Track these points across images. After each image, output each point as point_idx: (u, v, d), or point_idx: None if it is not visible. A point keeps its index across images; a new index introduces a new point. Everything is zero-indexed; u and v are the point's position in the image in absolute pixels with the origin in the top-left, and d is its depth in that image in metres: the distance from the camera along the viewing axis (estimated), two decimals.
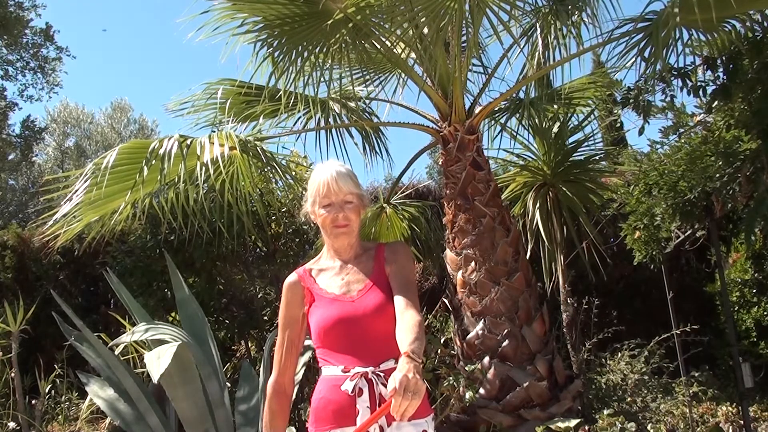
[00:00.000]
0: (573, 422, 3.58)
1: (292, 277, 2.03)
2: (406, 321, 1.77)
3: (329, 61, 3.91)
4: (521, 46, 4.37)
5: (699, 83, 3.61)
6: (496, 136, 5.01)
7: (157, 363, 2.95)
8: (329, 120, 4.44)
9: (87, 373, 3.90)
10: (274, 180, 4.16)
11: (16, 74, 15.48)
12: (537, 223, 4.98)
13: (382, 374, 1.83)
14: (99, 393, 3.75)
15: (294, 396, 3.66)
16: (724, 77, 3.60)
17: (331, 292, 1.95)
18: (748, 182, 3.69)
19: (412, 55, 4.35)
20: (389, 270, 1.96)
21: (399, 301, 1.85)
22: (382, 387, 1.81)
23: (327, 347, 1.91)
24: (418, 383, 1.53)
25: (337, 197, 1.95)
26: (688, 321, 4.78)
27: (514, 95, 4.76)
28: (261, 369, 3.78)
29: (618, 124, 7.55)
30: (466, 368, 3.88)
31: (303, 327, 1.99)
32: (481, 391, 3.88)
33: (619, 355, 4.94)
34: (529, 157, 5.12)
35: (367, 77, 4.71)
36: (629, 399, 4.64)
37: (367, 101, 4.81)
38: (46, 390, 4.84)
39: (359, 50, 3.89)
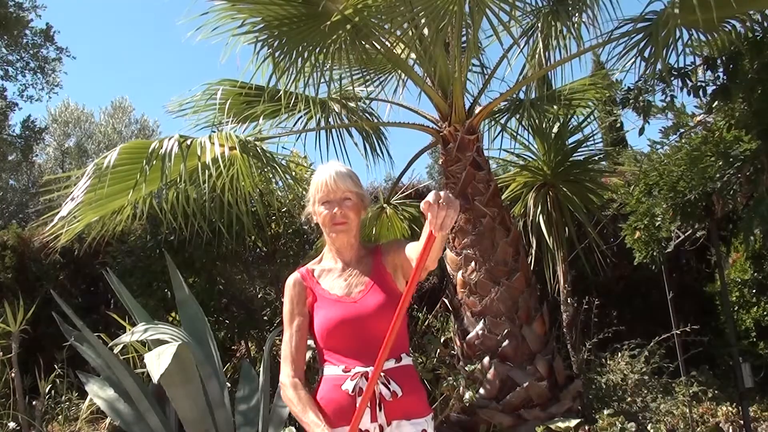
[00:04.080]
0: (573, 422, 3.59)
1: (294, 276, 2.04)
2: None
3: (329, 62, 3.91)
4: (521, 47, 4.38)
5: (699, 83, 3.61)
6: (496, 136, 5.02)
7: (157, 363, 2.95)
8: (329, 120, 4.44)
9: (87, 373, 3.90)
10: (274, 180, 4.16)
11: (16, 74, 15.49)
12: (537, 223, 4.98)
13: (382, 374, 1.84)
14: (99, 393, 3.74)
15: None
16: (724, 77, 3.60)
17: (333, 293, 1.96)
18: (748, 183, 3.70)
19: (412, 55, 4.35)
20: (388, 260, 1.98)
21: (411, 245, 1.90)
22: (383, 387, 1.82)
23: (329, 348, 1.92)
24: (450, 196, 1.56)
25: (335, 195, 1.96)
26: (688, 321, 4.77)
27: (514, 96, 4.76)
28: (261, 369, 3.78)
29: (618, 125, 7.56)
30: (466, 368, 3.89)
31: (310, 322, 1.98)
32: (481, 391, 3.88)
33: (619, 355, 4.93)
34: (529, 157, 5.12)
35: (367, 77, 4.71)
36: (629, 399, 4.64)
37: (367, 101, 4.81)
38: (46, 390, 4.84)
39: (359, 51, 3.90)
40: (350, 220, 1.97)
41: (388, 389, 1.82)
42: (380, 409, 1.82)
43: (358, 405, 1.79)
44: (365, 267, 2.00)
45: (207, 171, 3.39)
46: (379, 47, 4.08)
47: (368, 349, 1.87)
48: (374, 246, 2.09)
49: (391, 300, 1.91)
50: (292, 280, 2.03)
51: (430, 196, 1.56)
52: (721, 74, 3.63)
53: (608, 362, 4.95)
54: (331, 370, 1.90)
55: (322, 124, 4.38)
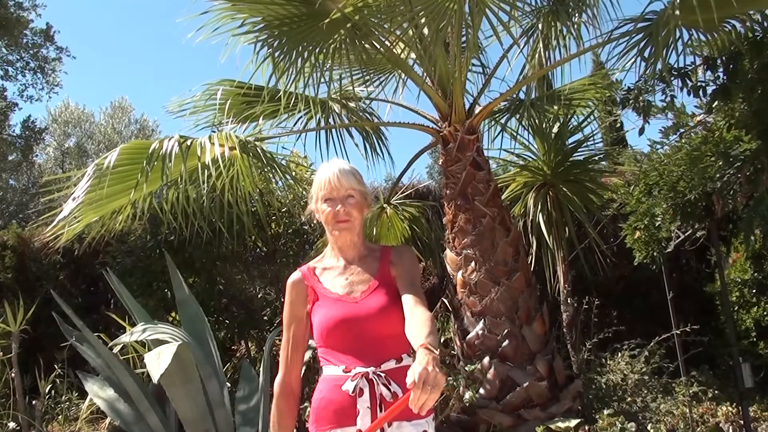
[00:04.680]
0: (573, 422, 3.58)
1: (295, 275, 2.03)
2: (418, 316, 1.75)
3: (329, 62, 3.91)
4: (521, 47, 4.37)
5: (699, 83, 3.61)
6: (496, 136, 5.02)
7: (157, 363, 2.96)
8: (329, 120, 4.44)
9: (87, 373, 3.90)
10: (274, 180, 4.16)
11: (16, 74, 15.50)
12: (537, 223, 4.98)
13: (383, 374, 1.84)
14: (99, 393, 3.75)
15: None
16: (724, 77, 3.60)
17: (334, 292, 1.95)
18: (748, 183, 3.70)
19: (412, 55, 4.35)
20: (395, 272, 1.96)
21: (408, 299, 1.84)
22: (383, 387, 1.82)
23: (329, 347, 1.92)
24: (437, 376, 1.51)
25: (338, 193, 1.95)
26: (688, 321, 4.77)
27: (514, 95, 4.76)
28: (261, 369, 3.79)
29: (618, 125, 7.56)
30: (466, 368, 3.88)
31: (307, 325, 1.99)
32: (481, 391, 3.88)
33: (619, 355, 4.93)
34: (529, 157, 5.12)
35: (367, 77, 4.71)
36: (629, 399, 4.64)
37: (367, 101, 4.81)
38: (46, 390, 4.85)
39: (358, 50, 3.89)
40: (353, 218, 1.96)
41: (389, 390, 1.81)
42: (381, 410, 1.81)
43: (359, 407, 1.79)
44: (368, 266, 1.98)
45: (207, 171, 3.39)
46: (378, 47, 4.08)
47: (368, 349, 1.87)
48: (381, 247, 2.08)
49: (394, 303, 1.90)
50: (292, 280, 2.03)
51: (416, 372, 1.50)
52: (721, 74, 3.63)
53: (608, 362, 4.95)
54: (331, 371, 1.89)
55: (322, 124, 4.38)
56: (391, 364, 1.86)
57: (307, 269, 2.04)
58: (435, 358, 1.56)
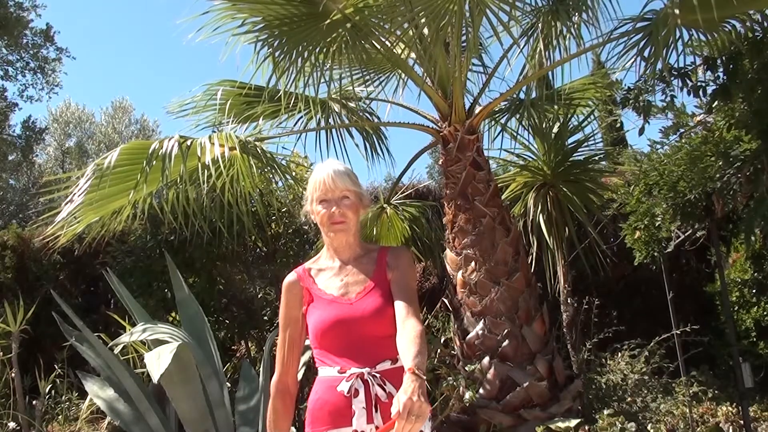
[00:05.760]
0: (573, 422, 3.58)
1: (291, 277, 2.03)
2: (408, 332, 1.75)
3: (329, 62, 3.90)
4: (521, 47, 4.37)
5: (699, 83, 3.61)
6: (497, 136, 5.01)
7: (157, 363, 2.96)
8: (329, 120, 4.44)
9: (87, 373, 3.91)
10: (274, 180, 4.16)
11: (16, 74, 15.51)
12: (537, 223, 4.98)
13: (378, 375, 1.84)
14: (99, 393, 3.75)
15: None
16: (724, 77, 3.60)
17: (329, 293, 1.95)
18: (748, 183, 3.70)
19: (412, 55, 4.35)
20: (391, 276, 1.95)
21: (400, 308, 1.83)
22: (378, 388, 1.82)
23: (324, 348, 1.92)
24: (422, 406, 1.53)
25: (333, 194, 1.95)
26: (688, 321, 4.77)
27: (514, 95, 4.76)
28: (261, 369, 3.79)
29: (618, 125, 7.57)
30: (466, 368, 3.88)
31: (303, 326, 2.00)
32: (481, 391, 3.88)
33: (619, 355, 4.94)
34: (530, 157, 5.11)
35: (367, 77, 4.70)
36: (629, 399, 4.64)
37: (368, 101, 4.81)
38: (46, 390, 4.85)
39: (359, 50, 3.89)
40: (348, 220, 1.96)
41: (384, 390, 1.81)
42: (376, 411, 1.81)
43: (354, 408, 1.79)
44: (365, 267, 1.98)
45: (207, 171, 3.39)
46: (379, 47, 4.08)
47: (363, 350, 1.87)
48: (378, 247, 2.07)
49: (389, 304, 1.90)
50: (287, 281, 2.03)
51: (401, 402, 1.53)
52: (721, 74, 3.63)
53: (608, 362, 4.95)
54: (327, 371, 1.90)
55: (322, 124, 4.38)
56: (386, 365, 1.86)
57: (302, 270, 2.04)
58: (421, 385, 1.58)
